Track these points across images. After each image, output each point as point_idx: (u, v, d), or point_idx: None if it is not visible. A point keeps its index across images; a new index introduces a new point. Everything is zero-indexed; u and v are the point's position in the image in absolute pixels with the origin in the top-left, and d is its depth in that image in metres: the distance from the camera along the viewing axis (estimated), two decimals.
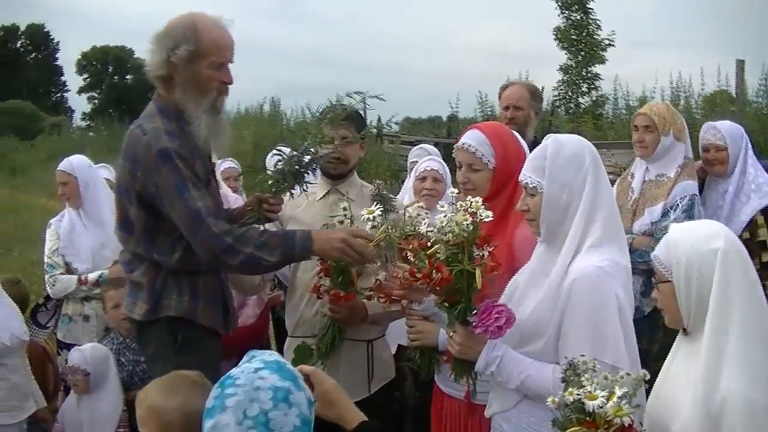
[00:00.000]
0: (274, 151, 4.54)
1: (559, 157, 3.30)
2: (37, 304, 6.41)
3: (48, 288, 6.09)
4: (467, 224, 3.23)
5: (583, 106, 22.33)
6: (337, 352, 4.39)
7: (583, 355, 2.87)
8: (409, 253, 3.52)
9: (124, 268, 4.08)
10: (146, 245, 3.92)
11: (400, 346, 4.89)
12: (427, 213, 3.74)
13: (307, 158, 4.19)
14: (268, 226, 4.33)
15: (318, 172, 4.55)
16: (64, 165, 6.29)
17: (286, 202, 4.41)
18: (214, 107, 3.99)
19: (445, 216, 3.30)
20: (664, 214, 5.36)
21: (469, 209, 3.27)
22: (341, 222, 4.13)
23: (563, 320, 3.19)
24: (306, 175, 4.23)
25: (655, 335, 5.19)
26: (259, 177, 4.35)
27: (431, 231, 3.42)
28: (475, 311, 3.26)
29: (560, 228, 3.31)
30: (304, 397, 2.25)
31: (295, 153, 4.19)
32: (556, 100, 22.64)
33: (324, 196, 4.57)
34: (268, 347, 5.50)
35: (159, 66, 3.91)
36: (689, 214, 5.25)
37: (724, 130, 5.73)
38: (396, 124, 4.65)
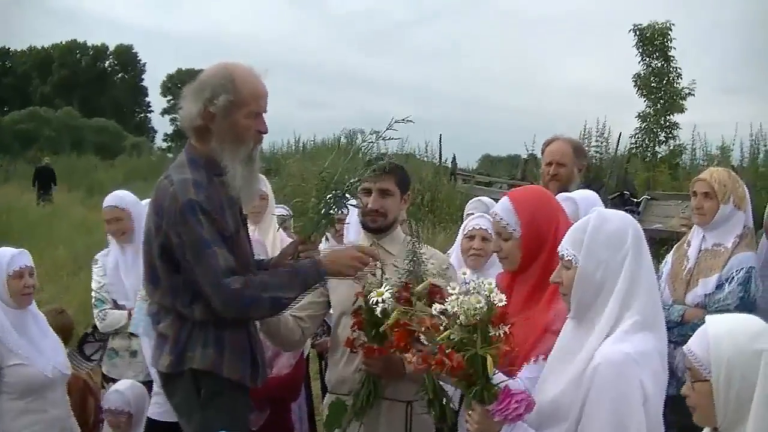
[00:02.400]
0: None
1: (599, 233, 3.18)
2: (86, 334, 6.43)
3: (98, 322, 6.07)
4: (480, 307, 3.12)
5: (660, 155, 22.06)
6: (373, 409, 4.29)
7: None
8: (422, 335, 3.46)
9: (152, 320, 4.07)
10: (171, 297, 3.91)
11: None
12: (472, 280, 3.60)
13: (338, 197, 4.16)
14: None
15: (359, 226, 4.53)
16: (114, 201, 6.19)
17: (322, 246, 4.38)
18: (249, 157, 4.01)
19: (456, 299, 3.20)
20: (719, 286, 5.13)
21: (482, 292, 3.17)
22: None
23: (585, 405, 3.06)
24: (337, 213, 4.23)
25: None
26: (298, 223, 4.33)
27: (444, 313, 3.30)
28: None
29: (591, 307, 3.19)
30: None
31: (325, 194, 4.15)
32: (633, 147, 22.42)
33: None
34: (302, 396, 5.44)
35: (195, 116, 3.92)
36: (745, 288, 5.04)
37: None
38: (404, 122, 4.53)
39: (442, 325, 3.29)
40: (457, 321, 3.18)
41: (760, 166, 17.01)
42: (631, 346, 3.03)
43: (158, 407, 5.08)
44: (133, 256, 6.02)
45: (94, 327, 6.26)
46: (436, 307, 3.34)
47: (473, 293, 3.17)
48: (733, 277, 5.12)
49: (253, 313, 3.93)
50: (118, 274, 6.09)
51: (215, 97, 3.87)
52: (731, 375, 2.72)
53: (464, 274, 3.42)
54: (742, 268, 5.12)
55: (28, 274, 5.17)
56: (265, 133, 4.05)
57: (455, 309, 3.16)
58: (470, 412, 3.28)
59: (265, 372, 4.23)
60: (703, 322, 4.81)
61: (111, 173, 35.05)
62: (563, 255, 3.26)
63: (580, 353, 3.15)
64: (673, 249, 5.64)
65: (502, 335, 3.14)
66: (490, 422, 3.19)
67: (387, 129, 4.19)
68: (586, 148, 22.28)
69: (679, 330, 4.96)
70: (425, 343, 3.42)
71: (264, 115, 4.04)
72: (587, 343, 3.14)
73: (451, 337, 3.20)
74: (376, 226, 4.43)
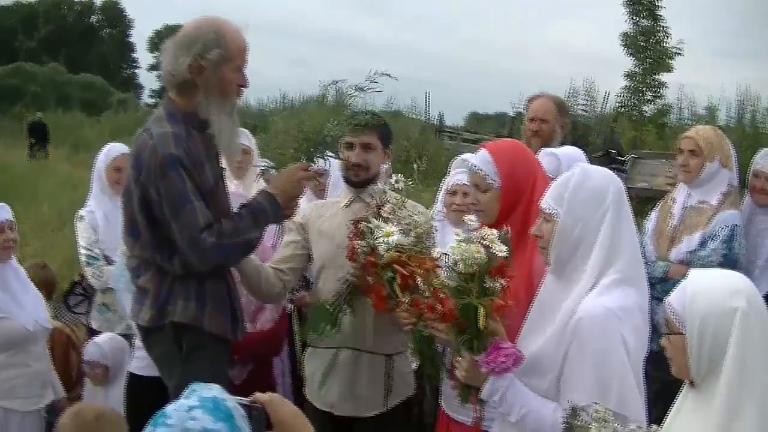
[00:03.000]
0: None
1: (581, 190, 3.18)
2: (73, 284, 6.43)
3: (93, 280, 5.98)
4: (480, 257, 3.12)
5: (647, 114, 22.05)
6: (354, 362, 4.38)
7: (596, 403, 2.80)
8: (418, 278, 3.46)
9: (131, 274, 4.06)
10: (151, 250, 3.91)
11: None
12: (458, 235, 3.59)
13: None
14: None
15: (341, 180, 4.54)
16: (125, 149, 6.03)
17: (310, 212, 4.49)
18: (233, 108, 4.06)
19: (458, 245, 3.19)
20: (703, 243, 5.15)
21: (482, 241, 3.16)
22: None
23: (566, 360, 3.08)
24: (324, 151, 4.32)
25: None
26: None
27: (443, 260, 3.32)
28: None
29: (569, 261, 3.20)
30: None
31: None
32: (620, 106, 22.40)
33: (348, 205, 4.48)
34: (284, 351, 5.43)
35: (183, 70, 3.89)
36: (729, 246, 5.06)
37: None
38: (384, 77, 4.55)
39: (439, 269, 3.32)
40: (456, 267, 3.18)
41: (746, 126, 17.03)
42: (612, 300, 3.04)
43: (139, 362, 5.06)
44: None
45: (81, 278, 6.24)
46: (436, 250, 3.35)
47: (476, 242, 3.16)
48: (717, 235, 5.13)
49: (228, 262, 4.02)
50: (108, 228, 5.98)
51: (207, 50, 3.87)
52: (704, 331, 2.73)
53: (470, 221, 3.44)
54: (726, 226, 5.13)
55: (8, 228, 5.15)
56: (247, 87, 4.08)
57: (455, 255, 3.16)
58: (459, 359, 3.30)
59: (244, 326, 4.26)
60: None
61: (97, 129, 34.85)
62: (544, 208, 3.26)
63: (561, 308, 3.16)
64: (657, 206, 5.64)
65: (498, 287, 3.14)
66: (477, 372, 3.21)
67: (367, 80, 4.22)
68: (573, 107, 22.40)
69: (663, 286, 4.95)
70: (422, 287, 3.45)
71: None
72: (568, 298, 3.15)
73: (446, 285, 3.22)
74: (359, 180, 4.42)
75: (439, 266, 3.39)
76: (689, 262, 5.15)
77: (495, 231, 3.21)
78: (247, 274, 4.28)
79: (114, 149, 6.16)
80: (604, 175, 3.27)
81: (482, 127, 27.62)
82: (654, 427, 2.75)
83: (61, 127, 35.68)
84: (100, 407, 3.99)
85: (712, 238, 5.13)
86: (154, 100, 63.28)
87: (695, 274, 2.90)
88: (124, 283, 4.99)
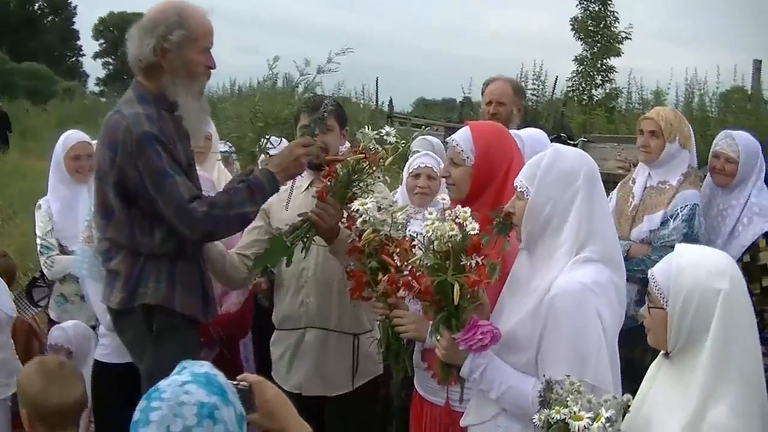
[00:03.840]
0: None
1: (552, 170, 3.23)
2: (34, 278, 6.36)
3: (46, 270, 5.95)
4: (454, 234, 3.15)
5: (597, 99, 22.26)
6: (322, 341, 4.45)
7: (568, 376, 2.84)
8: (395, 256, 3.47)
9: (102, 258, 4.05)
10: (125, 231, 3.91)
11: None
12: (417, 211, 3.63)
13: None
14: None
15: None
16: (83, 137, 6.08)
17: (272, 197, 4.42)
18: (200, 90, 4.09)
19: (432, 223, 3.22)
20: (664, 222, 5.23)
21: (456, 219, 3.19)
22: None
23: (543, 336, 3.13)
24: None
25: (648, 345, 5.11)
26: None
27: (418, 236, 3.37)
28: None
29: (540, 239, 3.26)
30: (233, 412, 2.16)
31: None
32: (570, 91, 22.57)
33: (308, 187, 4.52)
34: (251, 334, 5.45)
35: (148, 53, 3.93)
36: (689, 224, 5.15)
37: (740, 143, 5.47)
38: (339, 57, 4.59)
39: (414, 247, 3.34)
40: (431, 246, 3.23)
41: (694, 110, 17.24)
42: (586, 275, 3.10)
43: (104, 349, 5.05)
44: (90, 196, 5.86)
45: (42, 272, 6.16)
46: (411, 230, 3.37)
47: (447, 220, 3.19)
48: (678, 214, 5.21)
49: (221, 233, 4.03)
50: (66, 218, 5.94)
51: (169, 32, 3.90)
52: (686, 308, 2.77)
53: (443, 199, 3.47)
54: (687, 205, 5.22)
55: None
56: (214, 68, 4.09)
57: (429, 234, 3.20)
58: (438, 338, 3.34)
59: (214, 308, 4.29)
60: (648, 258, 4.93)
61: (44, 117, 34.39)
62: (517, 186, 3.31)
63: (535, 283, 3.22)
64: (617, 186, 5.72)
65: (474, 265, 3.18)
66: (456, 350, 3.26)
67: (328, 62, 4.25)
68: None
69: (625, 265, 5.03)
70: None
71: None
72: (542, 275, 3.21)
73: (423, 262, 3.25)
74: (319, 161, 4.41)
75: (414, 246, 3.41)
76: (650, 241, 5.27)
77: (468, 209, 3.25)
78: (212, 260, 4.29)
79: (71, 137, 6.09)
80: (576, 156, 3.32)
81: (431, 113, 27.63)
82: (627, 395, 2.80)
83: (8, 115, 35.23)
84: (62, 358, 4.18)
85: (673, 218, 5.21)
86: (99, 88, 62.69)
87: (681, 249, 2.93)
88: (87, 269, 4.96)
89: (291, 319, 4.50)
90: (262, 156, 4.45)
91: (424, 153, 5.71)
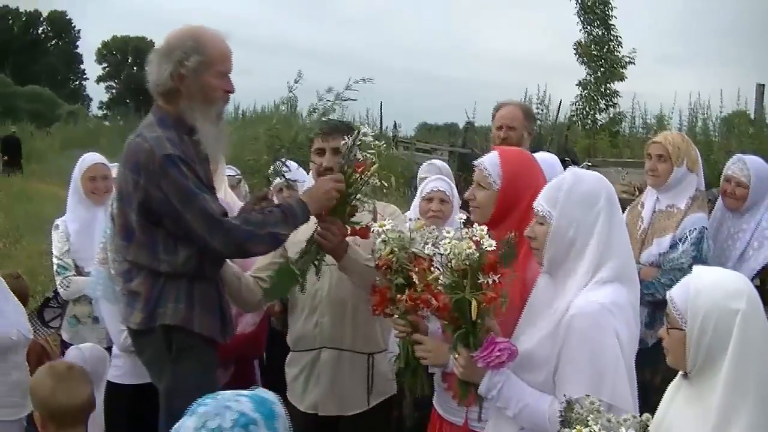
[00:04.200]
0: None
1: (573, 193, 3.29)
2: (47, 299, 6.39)
3: (61, 290, 5.98)
4: (471, 252, 3.22)
5: (600, 123, 22.30)
6: (336, 361, 4.46)
7: (588, 396, 2.88)
8: (413, 275, 3.53)
9: (122, 279, 4.09)
10: (147, 251, 3.95)
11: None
12: (431, 231, 3.68)
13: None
14: None
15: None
16: (100, 158, 6.16)
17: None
18: (219, 115, 4.13)
19: (449, 242, 3.29)
20: (673, 245, 5.28)
21: (473, 237, 3.26)
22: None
23: (561, 354, 3.18)
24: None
25: (658, 367, 5.09)
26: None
27: (436, 255, 3.42)
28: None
29: (563, 263, 3.31)
30: None
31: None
32: (574, 115, 22.62)
33: None
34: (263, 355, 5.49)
35: (166, 78, 3.98)
36: (698, 248, 5.19)
37: (752, 168, 5.55)
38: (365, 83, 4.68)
39: (432, 266, 3.40)
40: (448, 264, 3.29)
41: (698, 134, 17.31)
42: (605, 296, 3.15)
43: (117, 370, 5.09)
44: (106, 218, 5.83)
45: (56, 292, 6.21)
46: (429, 248, 3.42)
47: (465, 238, 3.26)
48: (686, 237, 5.26)
49: (253, 248, 4.02)
50: (84, 238, 5.99)
51: (186, 58, 3.94)
52: (705, 328, 2.83)
53: (460, 218, 3.52)
54: (695, 229, 5.26)
55: None
56: (233, 92, 4.14)
57: (447, 252, 3.26)
58: (456, 356, 3.39)
59: (232, 328, 4.32)
60: (658, 281, 4.97)
61: (48, 141, 34.59)
62: (538, 211, 3.36)
63: (555, 306, 3.27)
64: (626, 210, 5.76)
65: (491, 283, 3.24)
66: (474, 368, 3.30)
67: (347, 89, 4.25)
68: None
69: None
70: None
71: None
72: (561, 297, 3.26)
73: (441, 280, 3.32)
74: None
75: (432, 265, 3.47)
76: (659, 264, 5.31)
77: (484, 227, 3.31)
78: (228, 282, 4.30)
79: (87, 159, 6.16)
80: (596, 179, 3.39)
81: (433, 138, 27.66)
82: (647, 414, 2.82)
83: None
84: (70, 362, 4.35)
85: (682, 241, 5.26)
86: (103, 112, 62.88)
87: (699, 271, 3.00)
88: (102, 291, 5.01)
89: (306, 339, 4.53)
90: (277, 179, 4.48)
91: (437, 177, 5.78)
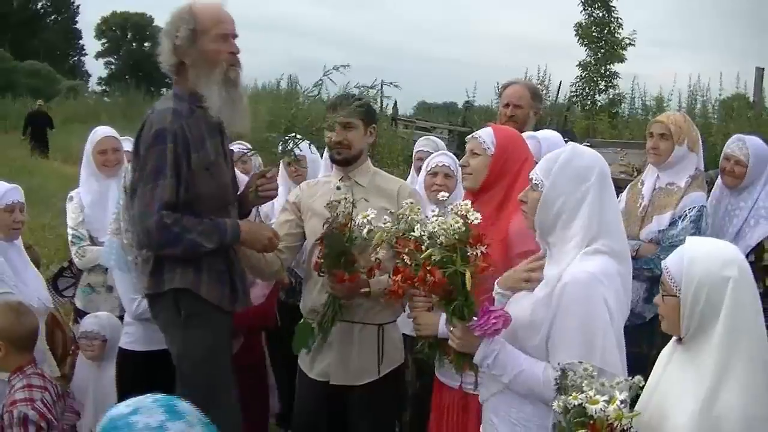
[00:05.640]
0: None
1: (567, 167, 3.40)
2: (62, 268, 6.48)
3: (77, 259, 6.07)
4: (458, 227, 3.36)
5: (600, 104, 22.33)
6: (346, 332, 4.55)
7: (581, 362, 3.00)
8: (404, 256, 3.62)
9: (135, 246, 4.22)
10: None
11: (404, 336, 4.95)
12: (417, 213, 3.74)
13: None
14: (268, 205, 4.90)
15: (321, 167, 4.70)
16: (110, 131, 6.26)
17: (302, 191, 4.71)
18: (228, 79, 4.19)
19: (436, 220, 3.43)
20: (672, 223, 5.36)
21: (459, 212, 3.41)
22: (340, 206, 4.25)
23: (554, 322, 3.29)
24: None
25: (654, 340, 5.24)
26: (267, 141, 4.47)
27: (424, 235, 3.50)
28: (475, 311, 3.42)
29: (550, 231, 3.43)
30: None
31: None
32: (573, 95, 22.64)
33: (340, 180, 4.66)
34: (274, 328, 5.59)
35: (169, 55, 4.14)
36: (697, 225, 5.28)
37: (751, 147, 5.66)
38: (391, 87, 4.74)
39: (423, 245, 3.49)
40: (438, 241, 3.41)
41: (697, 116, 17.33)
42: (595, 266, 3.27)
43: (128, 337, 5.16)
44: (119, 190, 5.96)
45: (70, 262, 6.30)
46: (418, 228, 3.53)
47: (452, 214, 3.41)
48: (686, 215, 5.34)
49: (167, 250, 4.08)
50: (97, 210, 6.08)
51: (177, 29, 4.10)
52: (698, 295, 2.95)
53: (443, 197, 3.67)
54: (695, 207, 5.35)
55: (18, 210, 5.32)
56: (238, 52, 4.24)
57: (436, 229, 3.40)
58: (452, 329, 3.50)
59: (245, 298, 4.42)
60: (657, 257, 5.08)
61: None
62: (532, 178, 3.48)
63: (547, 273, 3.39)
64: (627, 188, 5.86)
65: (479, 254, 3.39)
66: (471, 337, 3.42)
67: (335, 69, 4.41)
68: None
69: (634, 264, 5.18)
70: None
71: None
72: (553, 265, 3.38)
73: (432, 257, 3.42)
74: (341, 157, 4.61)
75: (420, 246, 3.54)
76: (659, 240, 5.40)
77: (468, 202, 3.48)
78: (247, 253, 4.43)
79: (98, 133, 6.24)
80: (592, 156, 3.49)
81: (432, 117, 27.63)
82: (638, 377, 2.95)
83: (11, 113, 35.34)
84: (18, 299, 4.89)
85: (681, 218, 5.34)
86: (101, 88, 62.68)
87: (692, 242, 3.14)
88: (115, 260, 5.11)
89: (318, 311, 4.58)
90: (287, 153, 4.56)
91: (442, 152, 5.88)
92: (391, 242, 3.79)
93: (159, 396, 2.29)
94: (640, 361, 3.43)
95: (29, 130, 28.68)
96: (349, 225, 4.19)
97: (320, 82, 4.46)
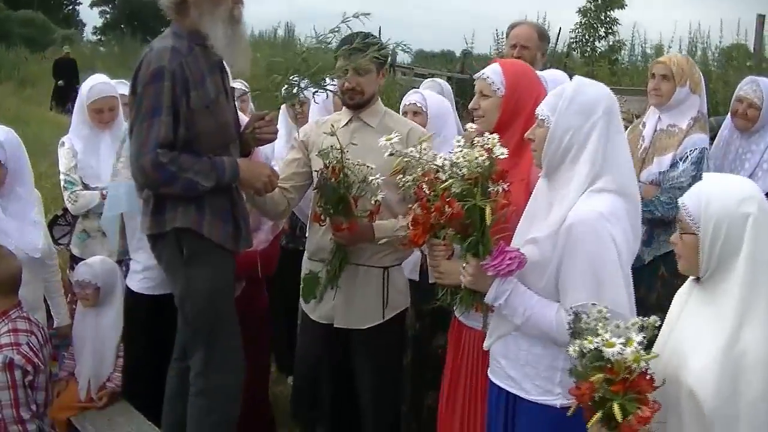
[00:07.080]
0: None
1: (573, 101, 3.33)
2: (56, 216, 6.43)
3: (69, 204, 6.00)
4: (483, 160, 3.30)
5: (600, 51, 22.21)
6: (350, 275, 4.52)
7: (595, 304, 2.97)
8: (424, 185, 3.58)
9: (137, 187, 4.18)
10: None
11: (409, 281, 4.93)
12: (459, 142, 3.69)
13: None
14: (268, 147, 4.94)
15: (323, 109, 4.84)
16: (106, 90, 6.06)
17: (310, 130, 4.69)
18: (231, 17, 4.12)
19: (460, 151, 3.37)
20: (673, 164, 5.33)
21: (485, 145, 3.35)
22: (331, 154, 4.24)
23: (562, 263, 3.26)
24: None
25: (653, 284, 5.24)
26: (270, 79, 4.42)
27: (446, 164, 3.46)
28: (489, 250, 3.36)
29: (558, 168, 3.37)
30: None
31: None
32: (573, 42, 22.52)
33: (346, 124, 4.61)
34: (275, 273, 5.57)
35: None
36: (698, 167, 5.23)
37: (765, 89, 5.59)
38: (402, 50, 4.64)
39: (444, 175, 3.45)
40: (459, 172, 3.36)
41: (698, 63, 17.22)
42: (602, 205, 3.21)
43: (136, 279, 5.26)
44: (112, 139, 5.94)
45: (65, 210, 6.26)
46: (440, 156, 3.48)
47: (476, 146, 3.34)
48: (687, 156, 5.30)
49: (163, 189, 4.03)
50: (89, 156, 6.02)
51: None
52: (717, 233, 2.91)
53: (471, 127, 3.60)
54: (696, 149, 5.31)
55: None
56: None
57: (459, 160, 3.34)
58: (465, 264, 3.47)
59: (248, 239, 4.39)
60: (656, 198, 5.04)
61: (43, 65, 34.18)
62: (538, 114, 3.43)
63: (553, 213, 3.32)
64: (628, 129, 5.81)
65: (501, 191, 3.33)
66: (483, 276, 3.38)
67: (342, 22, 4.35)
68: None
69: None
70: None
71: None
72: (559, 203, 3.31)
73: (452, 189, 3.37)
74: (354, 102, 4.55)
75: (439, 178, 3.51)
76: (659, 182, 5.37)
77: (495, 135, 3.41)
78: (252, 192, 4.40)
79: (95, 90, 6.03)
80: (598, 90, 3.41)
81: (430, 65, 27.51)
82: (654, 317, 2.89)
83: (5, 63, 35.09)
84: None
85: (683, 160, 5.30)
86: (96, 37, 62.22)
87: (709, 178, 3.09)
88: (126, 204, 5.08)
89: (323, 250, 4.56)
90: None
91: (413, 91, 5.70)
92: (412, 172, 3.73)
93: None
94: (640, 306, 3.39)
95: (59, 83, 26.88)
96: (340, 171, 4.17)
97: (337, 28, 4.41)
